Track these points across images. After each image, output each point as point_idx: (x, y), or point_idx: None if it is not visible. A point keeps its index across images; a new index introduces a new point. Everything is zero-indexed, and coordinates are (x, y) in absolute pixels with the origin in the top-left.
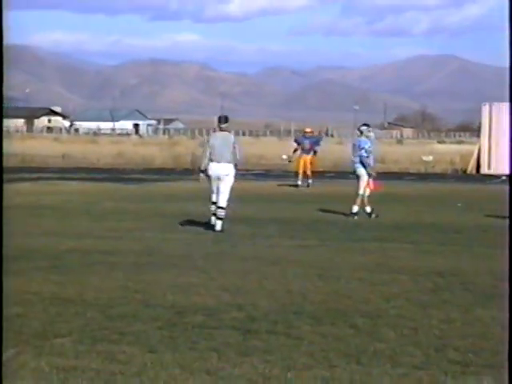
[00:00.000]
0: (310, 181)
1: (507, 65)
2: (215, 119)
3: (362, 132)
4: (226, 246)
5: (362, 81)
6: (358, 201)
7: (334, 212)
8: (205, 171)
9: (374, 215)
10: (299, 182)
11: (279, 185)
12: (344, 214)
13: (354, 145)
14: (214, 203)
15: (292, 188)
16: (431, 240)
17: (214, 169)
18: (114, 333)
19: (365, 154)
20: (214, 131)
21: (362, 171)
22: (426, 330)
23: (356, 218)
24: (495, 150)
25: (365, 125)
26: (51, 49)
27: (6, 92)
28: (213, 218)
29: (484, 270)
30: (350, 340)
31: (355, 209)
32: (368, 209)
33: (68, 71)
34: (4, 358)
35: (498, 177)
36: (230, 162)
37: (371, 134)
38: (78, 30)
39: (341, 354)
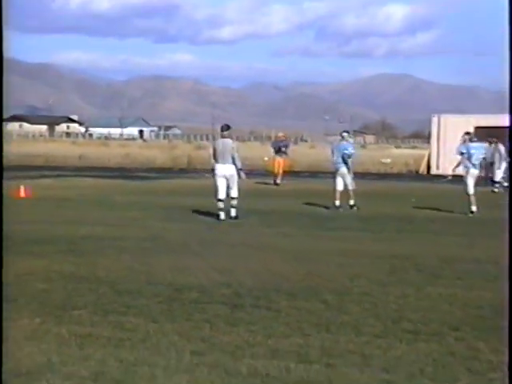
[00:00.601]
0: (278, 180)
1: (451, 82)
2: (207, 126)
3: (343, 137)
4: (217, 233)
5: (331, 94)
6: (351, 194)
7: (308, 205)
8: (213, 171)
9: (341, 209)
10: (278, 181)
11: (261, 182)
12: (351, 209)
13: (333, 148)
14: (220, 200)
15: (272, 186)
16: (389, 229)
17: (220, 169)
18: (122, 306)
19: (347, 153)
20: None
21: (344, 170)
22: (384, 305)
23: (355, 208)
24: (443, 154)
25: (346, 131)
26: (71, 66)
27: (28, 101)
28: (221, 213)
29: (433, 254)
30: (320, 313)
31: (352, 202)
32: (337, 203)
33: (84, 85)
34: (31, 326)
35: (445, 177)
36: (231, 164)
37: (350, 140)
38: (93, 51)
39: (313, 324)
